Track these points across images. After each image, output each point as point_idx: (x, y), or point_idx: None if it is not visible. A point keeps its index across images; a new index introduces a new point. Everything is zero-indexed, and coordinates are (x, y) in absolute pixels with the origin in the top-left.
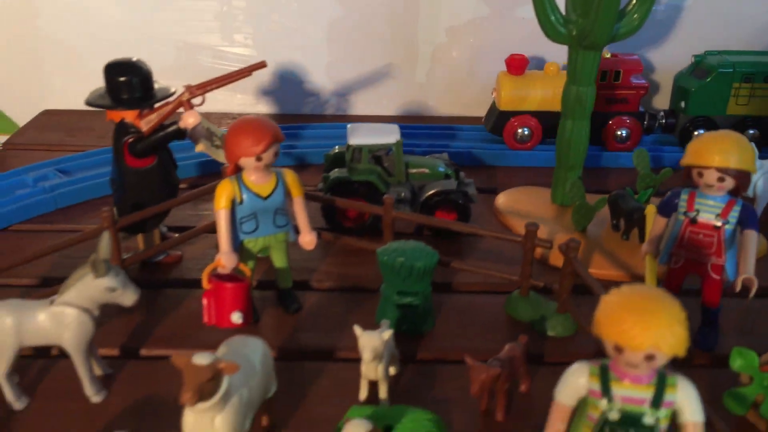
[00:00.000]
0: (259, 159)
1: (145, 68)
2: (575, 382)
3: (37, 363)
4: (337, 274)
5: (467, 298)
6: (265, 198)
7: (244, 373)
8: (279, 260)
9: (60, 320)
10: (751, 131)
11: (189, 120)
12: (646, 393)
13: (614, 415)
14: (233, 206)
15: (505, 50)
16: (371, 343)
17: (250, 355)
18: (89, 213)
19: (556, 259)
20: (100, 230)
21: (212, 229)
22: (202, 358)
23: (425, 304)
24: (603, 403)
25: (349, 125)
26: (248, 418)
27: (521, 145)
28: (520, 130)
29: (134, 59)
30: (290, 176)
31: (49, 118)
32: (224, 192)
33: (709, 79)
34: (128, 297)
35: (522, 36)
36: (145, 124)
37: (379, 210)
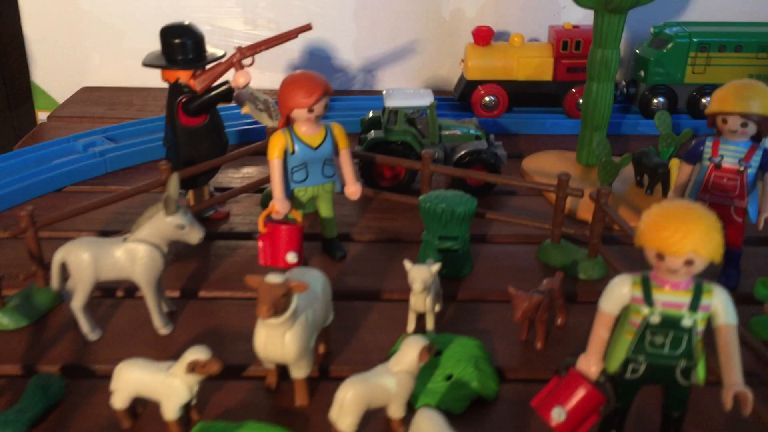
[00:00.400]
0: (310, 110)
1: (199, 32)
2: (619, 291)
3: (106, 302)
4: (376, 228)
5: (501, 248)
6: (315, 148)
7: (308, 297)
8: (325, 210)
9: (133, 256)
10: (708, 99)
11: (240, 80)
12: (685, 298)
13: (655, 319)
14: (285, 157)
15: (529, 25)
16: (421, 274)
17: (312, 282)
18: (138, 176)
19: (584, 213)
20: (157, 183)
21: (254, 188)
22: (275, 278)
23: (464, 249)
24: (645, 308)
25: (384, 90)
26: (312, 339)
27: (488, 112)
28: (486, 98)
29: (188, 23)
30: (338, 129)
31: (89, 95)
32: (277, 143)
33: (666, 49)
34: (194, 235)
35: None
36: (199, 83)
37: (418, 165)
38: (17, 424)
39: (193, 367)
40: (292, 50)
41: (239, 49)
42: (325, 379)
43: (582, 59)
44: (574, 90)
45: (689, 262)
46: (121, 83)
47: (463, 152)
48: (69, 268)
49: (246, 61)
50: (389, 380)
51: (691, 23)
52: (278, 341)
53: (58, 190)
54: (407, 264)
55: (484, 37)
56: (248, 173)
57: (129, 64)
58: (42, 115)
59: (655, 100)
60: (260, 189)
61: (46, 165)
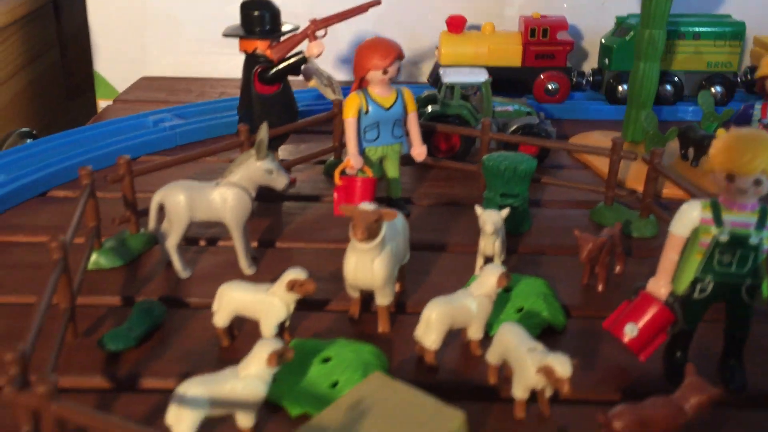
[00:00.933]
0: (385, 72)
1: (275, 6)
2: (689, 214)
3: (191, 249)
4: (434, 194)
5: (556, 212)
6: (387, 109)
7: (392, 231)
8: (392, 170)
9: (225, 198)
10: (668, 86)
11: (314, 50)
12: (751, 218)
13: (724, 238)
14: (359, 117)
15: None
16: (492, 217)
17: (395, 221)
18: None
19: (633, 182)
20: (236, 143)
21: (314, 158)
22: (368, 206)
23: (524, 207)
24: (714, 228)
25: (441, 69)
26: (395, 270)
27: None
28: None
29: None
30: (408, 93)
31: (149, 83)
32: (353, 103)
33: (628, 37)
34: (280, 180)
35: None
36: (275, 52)
37: (478, 132)
38: (127, 338)
39: (292, 286)
40: (343, 40)
41: (313, 21)
42: (402, 313)
43: (549, 46)
44: (542, 76)
45: (758, 182)
46: (178, 74)
47: (515, 126)
48: (166, 208)
49: (319, 33)
50: (471, 302)
51: None
52: (368, 267)
53: (133, 159)
54: (478, 209)
55: (457, 25)
56: (306, 148)
57: (187, 55)
58: (103, 104)
59: (620, 87)
60: (321, 161)
61: (119, 137)
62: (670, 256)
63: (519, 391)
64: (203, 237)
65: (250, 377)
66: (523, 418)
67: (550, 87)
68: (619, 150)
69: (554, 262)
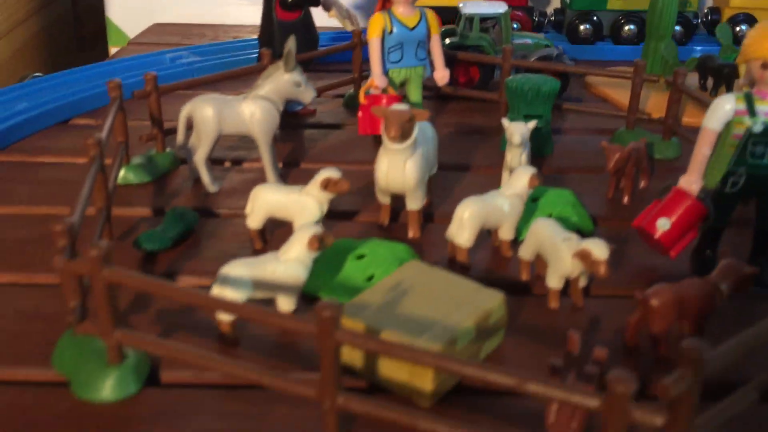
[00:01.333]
0: None
1: None
2: (723, 107)
3: (216, 168)
4: (455, 123)
5: (577, 138)
6: (411, 29)
7: (424, 137)
8: (415, 95)
9: (253, 111)
10: (632, 26)
11: None
12: None
13: (758, 128)
14: (383, 38)
15: None
16: (519, 128)
17: (424, 128)
18: (225, 84)
19: (652, 110)
20: (258, 68)
21: (333, 88)
22: (401, 106)
23: (546, 129)
24: (748, 119)
25: (460, 2)
26: (426, 175)
27: None
28: None
29: None
30: (431, 14)
31: (162, 29)
32: (377, 23)
33: None
34: (308, 94)
35: None
36: None
37: (499, 59)
38: (163, 240)
39: (326, 184)
40: None
41: None
42: (429, 222)
43: None
44: None
45: None
46: (191, 20)
47: (534, 58)
48: (194, 121)
49: None
50: (503, 202)
51: None
52: (400, 168)
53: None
54: (505, 121)
55: None
56: (327, 83)
57: (199, 3)
58: (115, 51)
59: (582, 27)
60: (340, 95)
61: (136, 71)
62: (702, 151)
63: (554, 281)
64: (228, 159)
65: (290, 261)
66: (557, 308)
67: (513, 26)
68: (642, 72)
69: (578, 181)
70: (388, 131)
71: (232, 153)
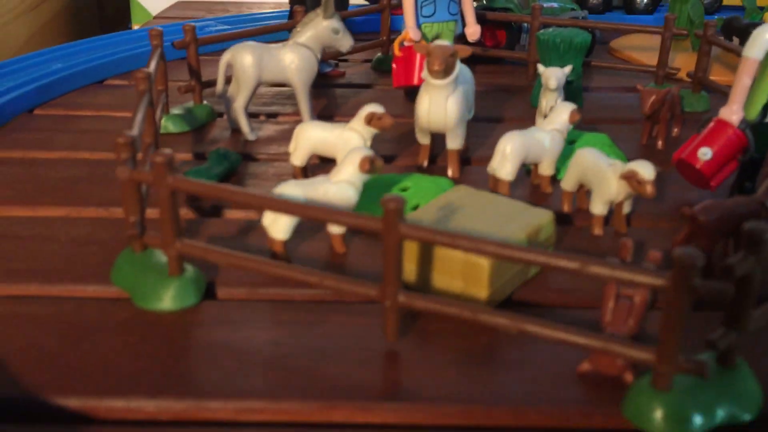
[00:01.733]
0: None
1: None
2: (763, 36)
3: (252, 121)
4: (484, 82)
5: (606, 95)
6: None
7: (464, 77)
8: None
9: (292, 58)
10: None
11: None
12: None
13: None
14: None
15: None
16: (555, 73)
17: (463, 70)
18: None
19: (679, 65)
20: (292, 24)
21: (363, 50)
22: (443, 41)
23: (578, 83)
24: None
25: None
26: (466, 113)
27: None
28: None
29: None
30: None
31: (186, 5)
32: None
33: None
34: (346, 41)
35: None
36: None
37: (528, 18)
38: (209, 175)
39: (370, 119)
40: None
41: None
42: (467, 165)
43: None
44: None
45: None
46: None
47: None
48: (234, 68)
49: None
50: (544, 136)
51: None
52: (442, 105)
53: (182, 59)
54: (540, 67)
55: None
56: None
57: None
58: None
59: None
60: (367, 60)
61: (166, 37)
62: (743, 81)
63: (598, 208)
64: (262, 113)
65: (342, 182)
66: (602, 235)
67: None
68: (671, 26)
69: (611, 130)
70: (431, 65)
71: (267, 108)
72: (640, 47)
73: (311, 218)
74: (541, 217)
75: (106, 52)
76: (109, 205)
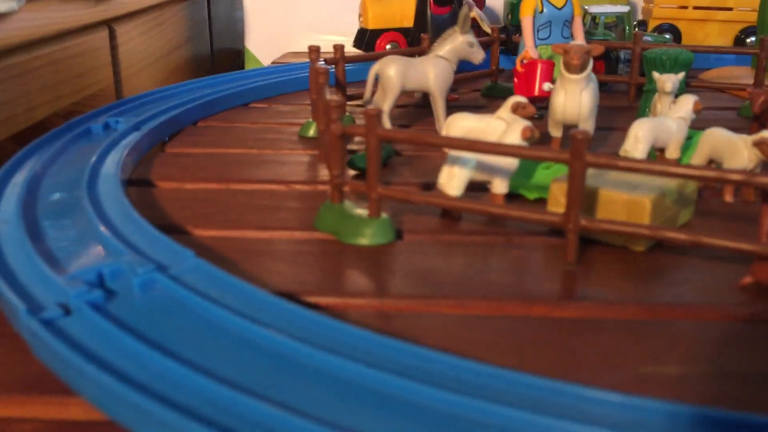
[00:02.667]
0: None
1: None
2: None
3: None
4: None
5: (702, 112)
6: (560, 8)
7: (591, 76)
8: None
9: (432, 68)
10: None
11: None
12: None
13: None
14: (534, 16)
15: None
16: (671, 78)
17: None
18: None
19: None
20: (421, 49)
21: (474, 78)
22: (579, 42)
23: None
24: None
25: (585, 6)
26: (596, 106)
27: None
28: (387, 46)
29: None
30: None
31: (296, 56)
32: (530, 3)
33: None
34: (479, 54)
35: None
36: None
37: (630, 44)
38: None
39: (515, 108)
40: None
41: None
42: None
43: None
44: None
45: None
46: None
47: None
48: (381, 78)
49: None
50: (671, 123)
51: None
52: (576, 98)
53: (306, 90)
54: (655, 74)
55: None
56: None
57: (332, 32)
58: None
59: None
60: (476, 90)
61: (296, 72)
62: None
63: None
64: (395, 125)
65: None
66: (732, 201)
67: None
68: (767, 48)
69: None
70: (571, 60)
71: (396, 121)
72: (730, 76)
73: (500, 154)
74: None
75: (245, 83)
76: (285, 182)
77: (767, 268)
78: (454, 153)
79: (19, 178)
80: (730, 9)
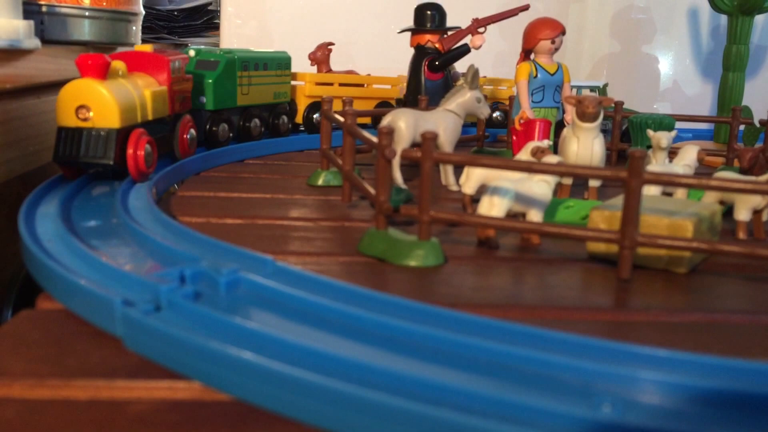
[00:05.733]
0: (553, 42)
1: (443, 9)
2: None
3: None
4: None
5: None
6: (552, 74)
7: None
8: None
9: (441, 122)
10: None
11: (477, 42)
12: None
13: None
14: (529, 81)
15: None
16: (665, 135)
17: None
18: None
19: None
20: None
21: (462, 142)
22: (591, 94)
23: None
24: None
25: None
26: (605, 158)
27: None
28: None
29: (436, 1)
30: (565, 67)
31: None
32: (525, 69)
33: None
34: (485, 110)
35: None
36: (445, 43)
37: (611, 113)
38: (397, 198)
39: (535, 152)
40: None
41: (475, 20)
42: None
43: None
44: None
45: None
46: None
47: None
48: (394, 129)
49: (481, 29)
50: (679, 170)
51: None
52: (588, 146)
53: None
54: (650, 131)
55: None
56: None
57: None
58: None
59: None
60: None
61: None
62: None
63: (742, 214)
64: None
65: (540, 180)
66: (745, 238)
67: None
68: (739, 116)
69: None
70: (586, 108)
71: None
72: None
73: (558, 174)
74: (714, 206)
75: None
76: (311, 219)
77: None
78: (493, 185)
79: (46, 210)
80: (362, 85)
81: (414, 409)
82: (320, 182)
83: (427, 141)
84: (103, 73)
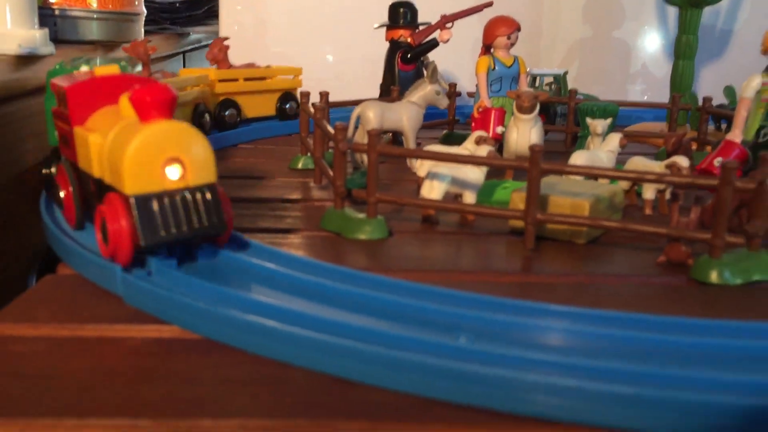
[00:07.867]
0: (508, 38)
1: (414, 6)
2: (753, 82)
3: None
4: None
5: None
6: (509, 67)
7: (538, 120)
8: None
9: (405, 112)
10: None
11: (445, 37)
12: None
13: None
14: (488, 73)
15: None
16: (601, 122)
17: (537, 117)
18: None
19: None
20: (392, 99)
21: (433, 126)
22: (529, 90)
23: None
24: None
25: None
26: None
27: None
28: None
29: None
30: (521, 59)
31: None
32: (485, 62)
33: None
34: (444, 101)
35: None
36: (416, 38)
37: (566, 99)
38: (361, 181)
39: (479, 141)
40: None
41: (443, 16)
42: None
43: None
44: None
45: None
46: None
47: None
48: (362, 120)
49: (448, 25)
50: (603, 155)
51: None
52: (526, 135)
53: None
54: (588, 119)
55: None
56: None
57: None
58: None
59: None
60: (434, 137)
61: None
62: (742, 114)
63: (648, 193)
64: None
65: (475, 167)
66: (651, 214)
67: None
68: (678, 102)
69: None
70: (523, 102)
71: None
72: (647, 130)
73: (477, 164)
74: (615, 187)
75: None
76: (283, 200)
77: (676, 249)
78: (434, 170)
79: None
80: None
81: (346, 345)
82: (300, 166)
83: (371, 136)
84: (172, 111)
